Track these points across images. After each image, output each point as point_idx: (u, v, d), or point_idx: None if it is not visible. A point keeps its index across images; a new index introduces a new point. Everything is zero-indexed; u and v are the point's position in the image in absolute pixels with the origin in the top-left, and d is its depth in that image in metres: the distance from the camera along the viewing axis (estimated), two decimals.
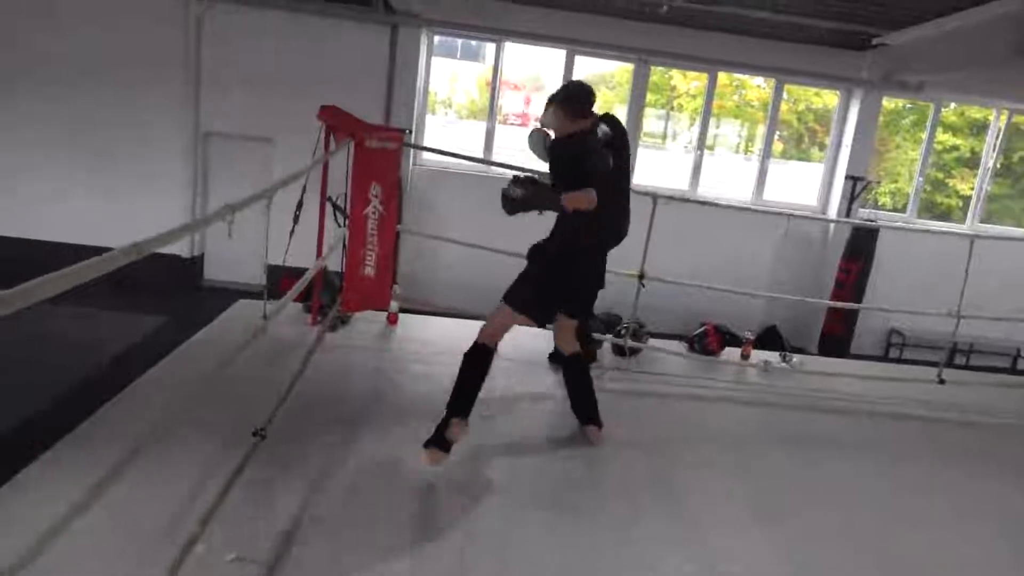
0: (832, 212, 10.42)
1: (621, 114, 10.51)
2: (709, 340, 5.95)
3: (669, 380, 5.37)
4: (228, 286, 9.82)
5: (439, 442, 3.48)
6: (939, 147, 11.14)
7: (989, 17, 7.06)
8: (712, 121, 10.85)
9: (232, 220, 2.52)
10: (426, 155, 9.73)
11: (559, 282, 3.74)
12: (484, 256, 5.65)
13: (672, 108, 12.01)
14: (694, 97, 11.56)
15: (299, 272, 4.21)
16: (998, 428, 5.28)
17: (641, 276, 5.42)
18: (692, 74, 11.01)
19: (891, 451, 4.60)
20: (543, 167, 3.94)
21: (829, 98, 11.04)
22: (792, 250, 10.30)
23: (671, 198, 5.58)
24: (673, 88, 11.86)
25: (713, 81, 10.32)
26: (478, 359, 3.65)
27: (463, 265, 8.64)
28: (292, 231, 4.91)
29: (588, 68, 10.87)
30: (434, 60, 10.17)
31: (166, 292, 9.14)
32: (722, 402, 5.19)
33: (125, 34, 9.13)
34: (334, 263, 5.48)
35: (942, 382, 5.69)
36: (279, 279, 4.59)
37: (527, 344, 5.15)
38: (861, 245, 9.76)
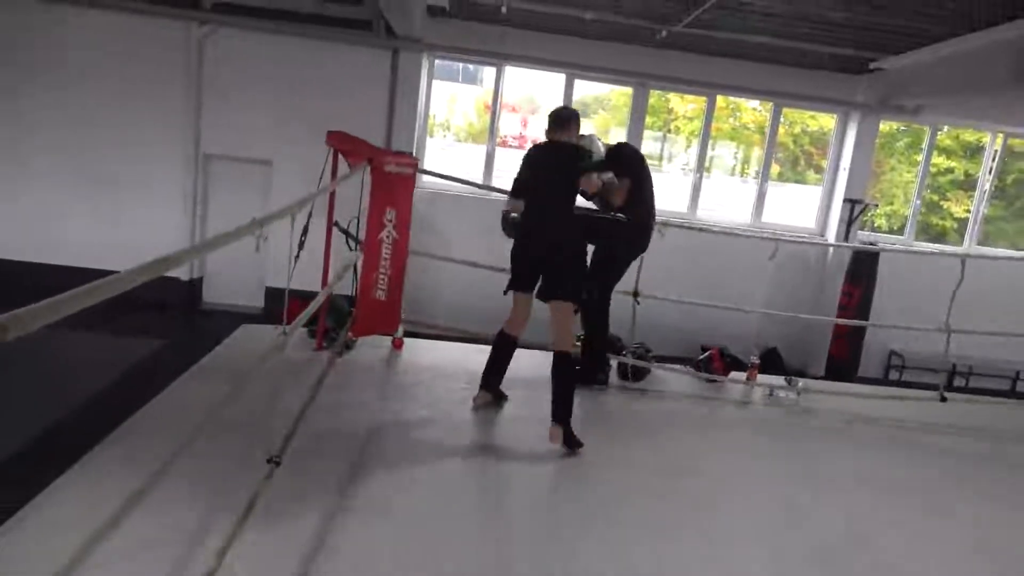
0: (830, 234, 10.47)
1: (619, 136, 10.57)
2: (714, 365, 5.94)
3: (677, 403, 5.36)
4: (227, 309, 9.79)
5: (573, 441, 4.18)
6: (934, 169, 11.23)
7: (986, 43, 7.16)
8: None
9: (261, 235, 2.51)
10: (427, 177, 9.74)
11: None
12: (485, 277, 5.73)
13: (669, 130, 12.09)
14: (691, 119, 11.64)
15: (300, 295, 4.17)
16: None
17: (636, 294, 5.69)
18: (689, 96, 11.09)
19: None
20: None
21: (825, 120, 11.13)
22: (790, 272, 10.32)
23: (665, 223, 5.64)
24: (670, 111, 11.95)
25: (712, 104, 10.39)
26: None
27: (464, 286, 8.62)
28: (297, 256, 4.89)
29: (584, 90, 10.96)
30: (434, 83, 10.22)
31: (166, 315, 9.10)
32: (731, 427, 5.18)
33: (127, 57, 9.15)
34: (340, 286, 5.47)
35: (944, 399, 5.81)
36: (280, 302, 4.55)
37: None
38: (863, 268, 9.79)
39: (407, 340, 5.76)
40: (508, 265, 4.57)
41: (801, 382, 6.01)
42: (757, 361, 5.98)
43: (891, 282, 9.74)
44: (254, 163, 9.57)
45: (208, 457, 3.34)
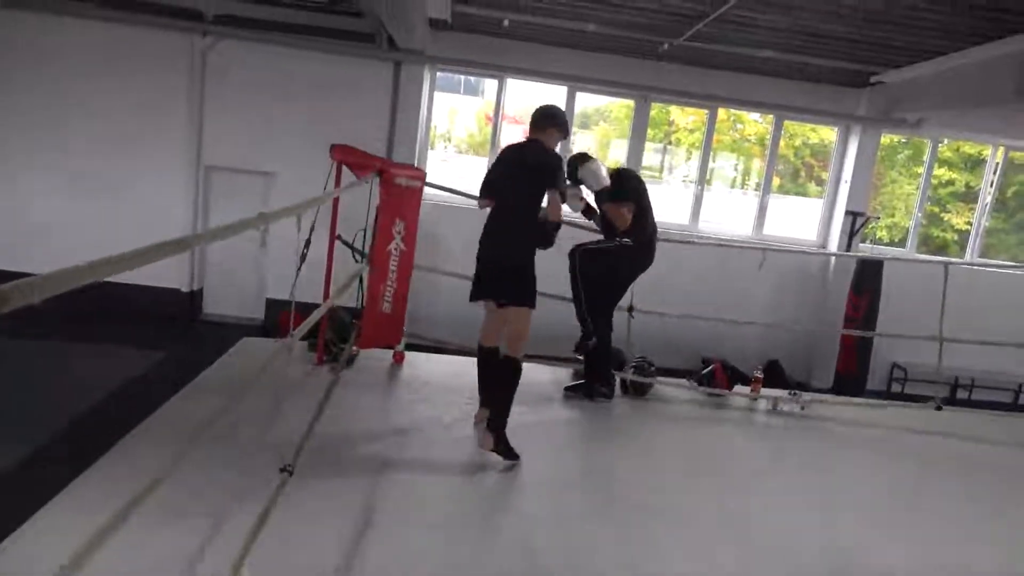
0: (832, 247, 10.46)
1: (621, 148, 10.60)
2: (717, 378, 5.93)
3: (678, 419, 5.35)
4: (227, 320, 9.76)
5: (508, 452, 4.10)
6: (934, 181, 11.24)
7: (987, 57, 7.17)
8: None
9: (266, 229, 2.49)
10: (428, 189, 9.73)
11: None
12: None
13: (670, 142, 12.10)
14: (692, 131, 11.66)
15: (300, 307, 4.14)
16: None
17: (630, 309, 5.77)
18: (690, 108, 11.11)
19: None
20: None
21: (825, 133, 11.14)
22: (792, 285, 10.31)
23: (666, 239, 5.82)
24: (671, 122, 11.96)
25: (713, 117, 10.40)
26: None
27: (464, 298, 8.58)
28: (299, 268, 4.88)
29: (585, 102, 10.97)
30: (435, 95, 10.23)
31: (166, 326, 9.08)
32: (735, 439, 5.16)
33: (130, 68, 9.15)
34: (342, 299, 5.45)
35: (939, 408, 5.95)
36: (279, 314, 4.53)
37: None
38: (868, 280, 9.77)
39: (408, 353, 5.74)
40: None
41: (805, 395, 6.01)
42: (760, 375, 5.97)
43: (895, 294, 9.70)
44: (256, 175, 9.57)
45: (213, 470, 3.32)
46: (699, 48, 8.57)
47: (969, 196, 11.44)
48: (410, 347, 5.92)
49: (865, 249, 10.55)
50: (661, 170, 11.95)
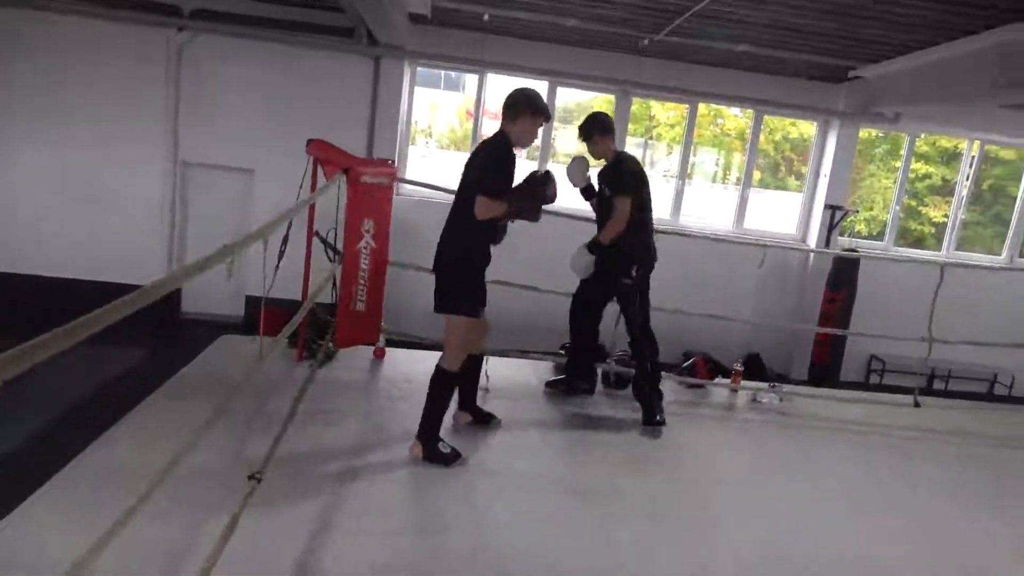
0: (812, 240, 10.53)
1: None
2: (698, 371, 5.96)
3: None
4: (206, 318, 9.66)
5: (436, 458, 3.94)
6: (911, 175, 11.35)
7: (964, 52, 7.23)
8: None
9: (232, 262, 2.46)
10: (409, 185, 9.70)
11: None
12: None
13: (651, 137, 12.14)
14: (672, 126, 11.71)
15: (278, 304, 4.10)
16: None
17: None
18: (670, 103, 11.13)
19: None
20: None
21: (805, 127, 11.22)
22: (771, 279, 10.36)
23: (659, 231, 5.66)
24: (652, 117, 12.00)
25: (693, 112, 10.43)
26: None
27: None
28: (277, 266, 4.83)
29: (566, 97, 10.96)
30: (416, 90, 10.18)
31: (144, 324, 8.95)
32: (715, 431, 5.20)
33: (105, 63, 9.03)
34: (320, 296, 5.42)
35: (917, 405, 6.05)
36: (258, 312, 4.49)
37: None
38: (845, 275, 9.85)
39: (388, 349, 5.71)
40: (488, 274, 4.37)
41: (784, 387, 6.07)
42: (741, 368, 6.00)
43: (872, 287, 9.79)
44: (234, 171, 9.48)
45: (187, 473, 3.26)
46: (679, 43, 8.60)
47: (945, 189, 11.58)
48: (391, 343, 5.89)
49: (844, 242, 10.62)
50: (643, 165, 11.95)
